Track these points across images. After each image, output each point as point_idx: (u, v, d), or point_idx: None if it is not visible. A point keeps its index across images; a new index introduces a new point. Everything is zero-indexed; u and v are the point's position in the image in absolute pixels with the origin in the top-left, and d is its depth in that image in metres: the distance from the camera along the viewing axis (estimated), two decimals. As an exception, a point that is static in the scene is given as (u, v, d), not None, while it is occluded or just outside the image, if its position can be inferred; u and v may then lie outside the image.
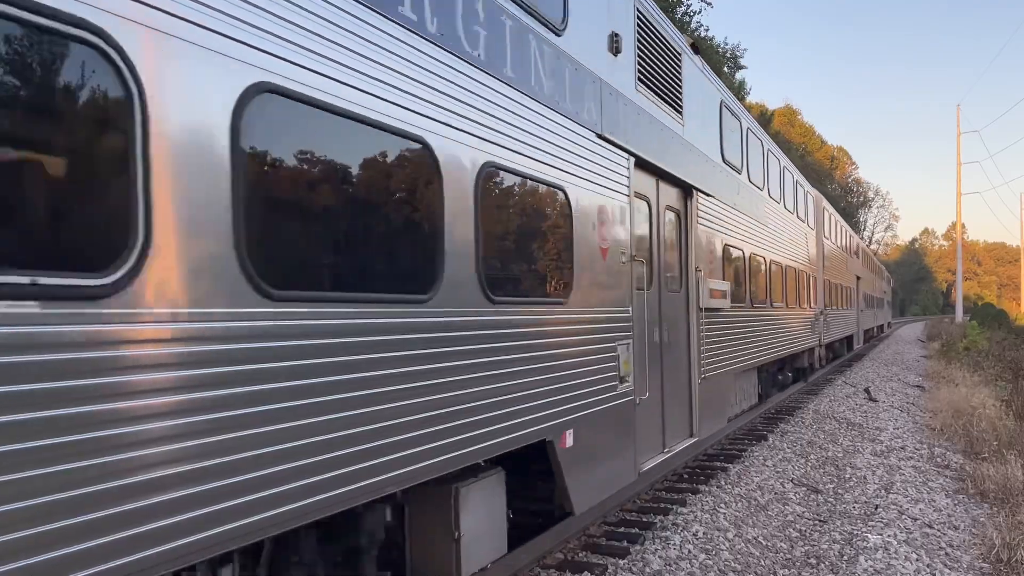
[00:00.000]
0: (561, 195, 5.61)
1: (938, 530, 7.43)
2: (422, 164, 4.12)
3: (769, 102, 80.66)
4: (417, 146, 4.05)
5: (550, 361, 5.33)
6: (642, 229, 7.39)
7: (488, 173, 4.71)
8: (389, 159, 3.97)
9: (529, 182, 5.23)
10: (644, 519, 7.48)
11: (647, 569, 6.14)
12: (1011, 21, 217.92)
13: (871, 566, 6.31)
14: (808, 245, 17.87)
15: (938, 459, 10.78)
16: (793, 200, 15.94)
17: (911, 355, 32.90)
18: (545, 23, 5.45)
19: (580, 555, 6.48)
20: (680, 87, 8.38)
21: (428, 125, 4.11)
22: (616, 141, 6.54)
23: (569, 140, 5.72)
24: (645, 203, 7.52)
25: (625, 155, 6.76)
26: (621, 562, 6.26)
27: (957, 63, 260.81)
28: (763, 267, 12.52)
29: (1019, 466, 9.13)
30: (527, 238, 5.30)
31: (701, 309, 8.77)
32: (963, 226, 75.05)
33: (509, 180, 5.03)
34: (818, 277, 19.20)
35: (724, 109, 10.39)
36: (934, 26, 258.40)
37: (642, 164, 7.16)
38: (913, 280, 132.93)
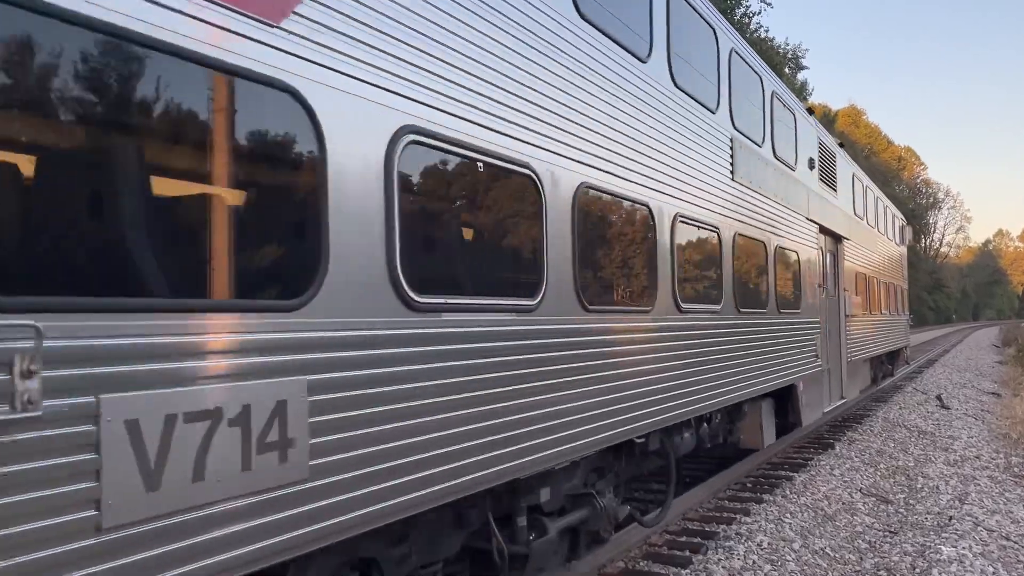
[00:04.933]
0: (795, 255, 10.07)
1: (1016, 542, 7.15)
2: None
3: (832, 102, 78.88)
4: None
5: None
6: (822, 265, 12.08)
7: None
8: None
9: (790, 254, 9.90)
10: (707, 528, 7.39)
11: (710, 579, 6.07)
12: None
13: (945, 580, 6.12)
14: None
15: (1016, 469, 10.37)
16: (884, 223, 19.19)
17: (985, 361, 31.73)
18: (787, 164, 10.10)
19: (641, 564, 6.45)
20: (835, 173, 13.15)
21: None
22: (813, 219, 11.21)
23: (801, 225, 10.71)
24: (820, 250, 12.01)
25: (815, 225, 11.41)
26: (684, 572, 6.20)
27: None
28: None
29: (1104, 477, 8.72)
30: (794, 278, 10.12)
31: (848, 316, 13.34)
32: (1041, 226, 71.92)
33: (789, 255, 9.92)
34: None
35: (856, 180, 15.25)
36: (1013, 9, 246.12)
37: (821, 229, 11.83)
38: (987, 283, 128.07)
